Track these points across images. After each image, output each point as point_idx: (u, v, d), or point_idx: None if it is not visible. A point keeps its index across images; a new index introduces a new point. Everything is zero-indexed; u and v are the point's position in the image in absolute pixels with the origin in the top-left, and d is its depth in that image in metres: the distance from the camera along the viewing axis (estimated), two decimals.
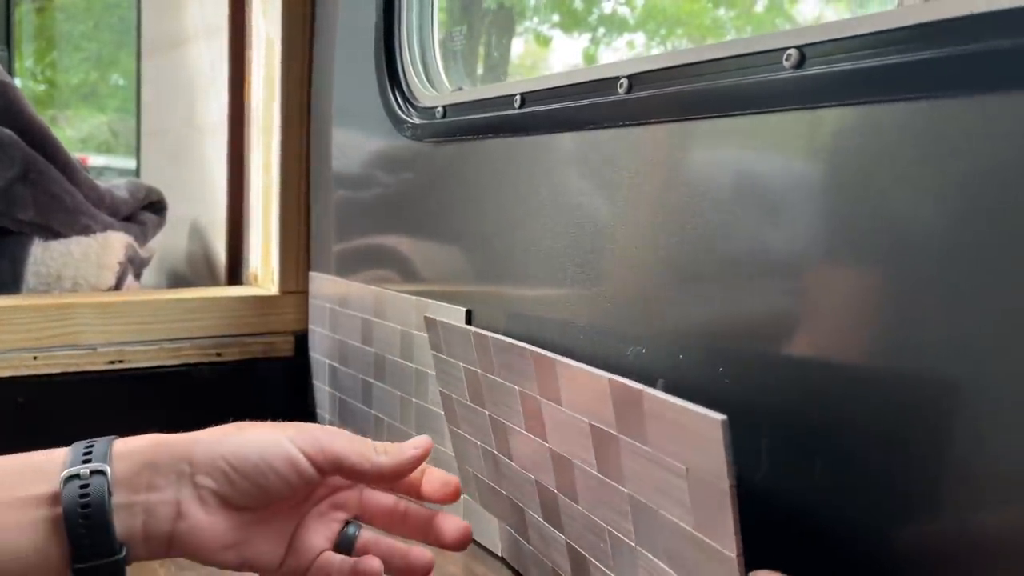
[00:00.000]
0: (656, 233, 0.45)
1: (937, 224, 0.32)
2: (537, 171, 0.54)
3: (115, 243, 0.86)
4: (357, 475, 0.43)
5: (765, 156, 0.40)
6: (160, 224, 1.04)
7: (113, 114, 3.92)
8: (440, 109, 0.64)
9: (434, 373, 0.59)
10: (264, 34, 0.85)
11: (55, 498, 0.38)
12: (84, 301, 0.76)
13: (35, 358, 0.74)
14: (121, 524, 0.39)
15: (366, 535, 0.46)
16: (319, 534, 0.45)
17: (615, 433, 0.40)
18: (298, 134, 0.83)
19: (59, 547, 0.38)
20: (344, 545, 0.45)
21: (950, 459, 0.32)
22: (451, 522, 0.46)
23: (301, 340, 0.87)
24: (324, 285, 0.83)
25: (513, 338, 0.47)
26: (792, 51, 0.38)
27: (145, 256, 0.98)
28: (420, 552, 0.45)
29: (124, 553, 0.39)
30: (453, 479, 0.47)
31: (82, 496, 0.37)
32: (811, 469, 0.36)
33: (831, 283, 0.37)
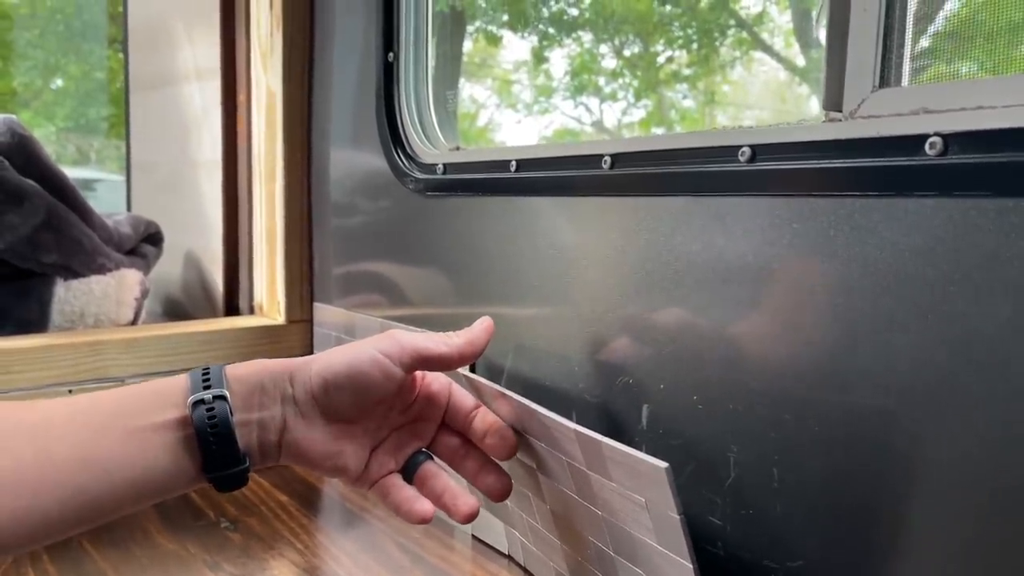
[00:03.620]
0: (638, 288, 0.55)
1: (861, 291, 0.43)
2: (529, 227, 0.63)
3: (130, 281, 0.93)
4: (438, 360, 0.49)
5: (725, 230, 0.49)
6: (158, 255, 1.11)
7: (62, 123, 3.89)
8: (440, 166, 0.72)
9: None
10: (265, 86, 0.93)
11: (185, 421, 0.44)
12: (111, 338, 0.83)
13: (70, 391, 0.81)
14: (241, 438, 0.46)
15: (429, 466, 0.52)
16: (392, 456, 0.51)
17: (586, 470, 0.48)
18: (300, 180, 0.92)
19: (193, 461, 0.45)
20: (409, 470, 0.52)
21: (890, 477, 0.42)
22: (493, 476, 0.52)
23: None
24: (328, 314, 0.91)
25: (516, 370, 0.56)
26: (746, 148, 0.48)
27: (148, 287, 1.05)
28: (467, 500, 0.51)
29: (247, 463, 0.46)
30: (510, 437, 0.51)
31: (210, 418, 0.44)
32: (770, 476, 0.47)
33: (781, 333, 0.47)
